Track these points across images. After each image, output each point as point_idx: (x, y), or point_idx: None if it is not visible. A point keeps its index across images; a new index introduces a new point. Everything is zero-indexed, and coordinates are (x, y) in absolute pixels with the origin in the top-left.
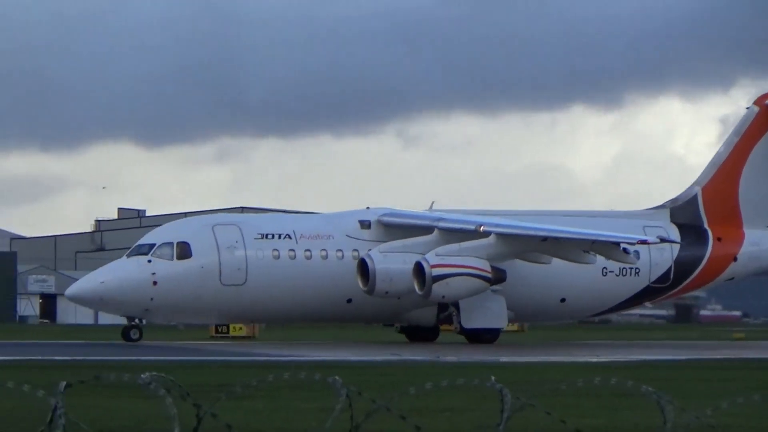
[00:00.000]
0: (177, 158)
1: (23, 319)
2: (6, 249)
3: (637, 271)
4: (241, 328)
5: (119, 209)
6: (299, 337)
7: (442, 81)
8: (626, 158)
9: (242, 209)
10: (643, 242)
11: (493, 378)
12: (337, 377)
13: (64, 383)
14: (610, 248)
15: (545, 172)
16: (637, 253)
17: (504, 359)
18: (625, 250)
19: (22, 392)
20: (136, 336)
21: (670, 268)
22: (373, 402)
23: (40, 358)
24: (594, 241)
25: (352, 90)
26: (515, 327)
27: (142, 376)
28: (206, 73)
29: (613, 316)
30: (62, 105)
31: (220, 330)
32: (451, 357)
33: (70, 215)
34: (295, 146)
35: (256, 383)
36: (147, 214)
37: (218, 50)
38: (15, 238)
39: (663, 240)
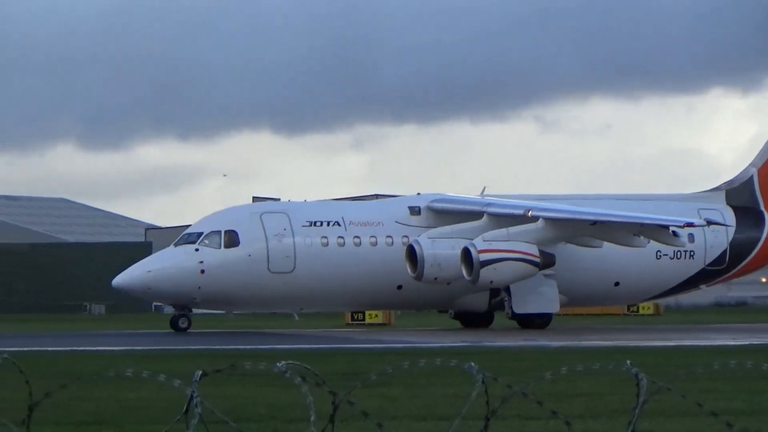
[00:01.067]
0: (314, 146)
1: (159, 308)
2: (141, 239)
3: (692, 254)
4: (376, 315)
5: (253, 198)
6: (434, 324)
7: (580, 65)
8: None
9: (376, 196)
10: (690, 225)
11: (628, 362)
12: (472, 363)
13: (200, 372)
14: (659, 231)
15: (680, 156)
16: (691, 236)
17: (639, 343)
18: (674, 233)
19: (158, 382)
20: (185, 325)
21: (725, 250)
22: (509, 387)
23: (175, 347)
24: (642, 224)
25: (489, 75)
26: (650, 310)
27: (277, 364)
28: (344, 60)
29: (749, 299)
30: (200, 94)
31: (355, 317)
32: (586, 341)
33: (206, 204)
34: (432, 133)
35: (391, 370)
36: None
37: (356, 37)
38: (150, 228)
39: (710, 222)
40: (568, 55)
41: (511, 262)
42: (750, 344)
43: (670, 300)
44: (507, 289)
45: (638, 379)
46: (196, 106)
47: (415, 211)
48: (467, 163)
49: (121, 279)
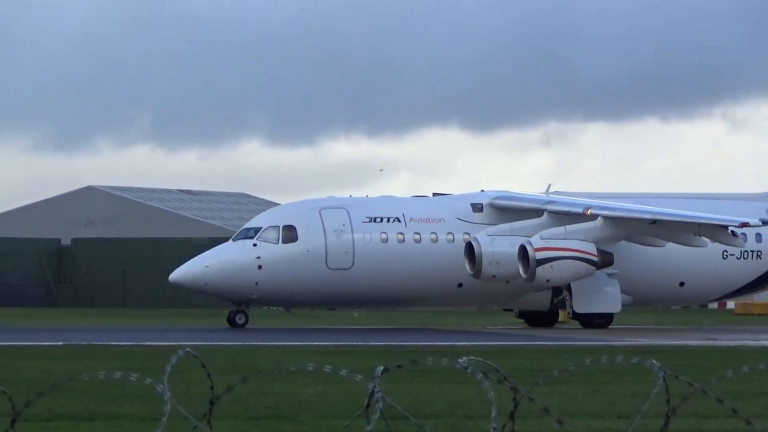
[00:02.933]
0: (504, 143)
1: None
2: None
3: (759, 254)
4: None
5: (433, 194)
6: (617, 321)
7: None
8: None
9: (555, 193)
10: (745, 225)
11: None
12: (654, 361)
13: (381, 367)
14: (717, 231)
15: None
16: (759, 236)
17: None
18: (733, 232)
19: (339, 377)
20: (242, 321)
21: None
22: (690, 385)
23: (355, 343)
24: (699, 224)
25: (679, 73)
26: None
27: (459, 360)
28: (536, 56)
29: None
30: (390, 91)
31: None
32: (766, 340)
33: None
34: (621, 130)
35: (573, 367)
36: None
37: (549, 32)
38: None
39: (765, 222)
40: (760, 50)
41: (567, 260)
42: None
43: None
44: (568, 288)
45: None
46: (386, 102)
47: (477, 207)
48: (652, 161)
49: (178, 274)
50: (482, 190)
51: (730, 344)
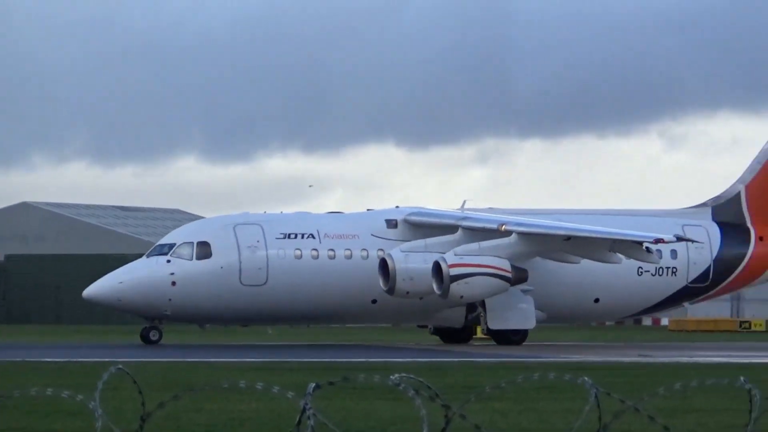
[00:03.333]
0: (438, 160)
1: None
2: None
3: (675, 270)
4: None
5: (367, 210)
6: (549, 338)
7: (708, 79)
8: None
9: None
10: (659, 241)
11: (742, 378)
12: (586, 378)
13: (313, 384)
14: (632, 247)
15: None
16: (674, 252)
17: (751, 360)
18: (647, 249)
19: (271, 394)
20: (156, 337)
21: (709, 267)
22: (622, 402)
23: (289, 359)
24: (614, 240)
25: (617, 89)
26: (762, 327)
27: (391, 377)
28: (473, 73)
29: None
30: (326, 107)
31: None
32: (700, 357)
33: None
34: (558, 147)
35: (504, 384)
36: None
37: (485, 49)
38: None
39: (680, 239)
40: (697, 68)
41: (481, 276)
42: None
43: None
44: (483, 304)
45: (751, 394)
46: (322, 119)
47: (391, 224)
48: (590, 178)
49: (92, 290)
50: (397, 206)
51: (663, 361)
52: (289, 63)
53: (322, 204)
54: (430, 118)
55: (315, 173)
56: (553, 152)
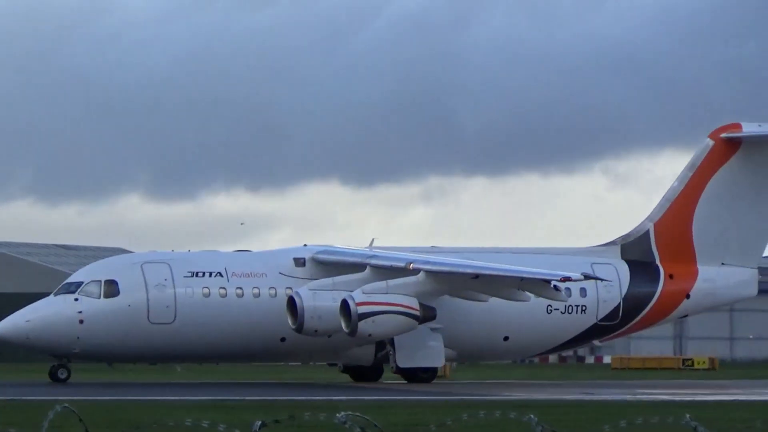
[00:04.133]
0: (384, 198)
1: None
2: None
3: (584, 308)
4: None
5: (305, 244)
6: (492, 376)
7: (651, 118)
8: None
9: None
10: (566, 279)
11: (687, 416)
12: (532, 416)
13: (259, 422)
14: (539, 285)
15: None
16: (584, 290)
17: (695, 398)
18: (555, 287)
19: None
20: (64, 375)
21: (618, 305)
22: None
23: (232, 398)
24: (522, 278)
25: (560, 128)
26: (705, 365)
27: (338, 415)
28: (417, 113)
29: None
30: (270, 146)
31: None
32: (644, 395)
33: None
34: (502, 185)
35: (450, 422)
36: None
37: (430, 88)
38: None
39: (587, 277)
40: (639, 108)
41: (390, 314)
42: None
43: (726, 354)
44: (392, 342)
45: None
46: (267, 157)
47: (300, 262)
48: (533, 216)
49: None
50: (305, 245)
51: (607, 399)
52: (234, 102)
53: (268, 242)
54: (375, 157)
55: (260, 211)
56: (497, 190)
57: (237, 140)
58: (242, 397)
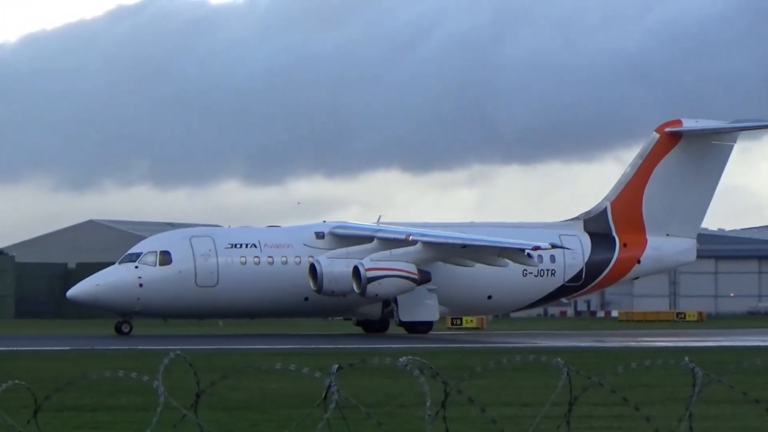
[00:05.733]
0: (435, 182)
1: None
2: None
3: (553, 272)
4: (471, 321)
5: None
6: (521, 327)
7: (655, 116)
8: None
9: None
10: (537, 248)
11: (686, 358)
12: (559, 359)
13: (336, 366)
14: (515, 253)
15: (730, 193)
16: (553, 257)
17: (688, 344)
18: (529, 255)
19: (293, 375)
20: (127, 330)
21: (581, 269)
22: (588, 378)
23: (312, 346)
24: (501, 247)
25: (580, 124)
26: (695, 317)
27: (400, 359)
28: (463, 113)
29: None
30: (344, 141)
31: (454, 322)
32: (647, 342)
33: None
34: (532, 171)
35: (493, 365)
36: None
37: (474, 92)
38: None
39: (554, 246)
40: (643, 106)
41: (393, 278)
42: None
43: (711, 309)
44: (395, 301)
45: (694, 372)
46: (341, 150)
47: (320, 235)
48: (556, 196)
49: (74, 291)
50: (324, 221)
51: (616, 345)
52: (314, 105)
53: (339, 219)
54: (429, 149)
55: (335, 194)
56: (528, 175)
57: (316, 136)
58: (316, 346)
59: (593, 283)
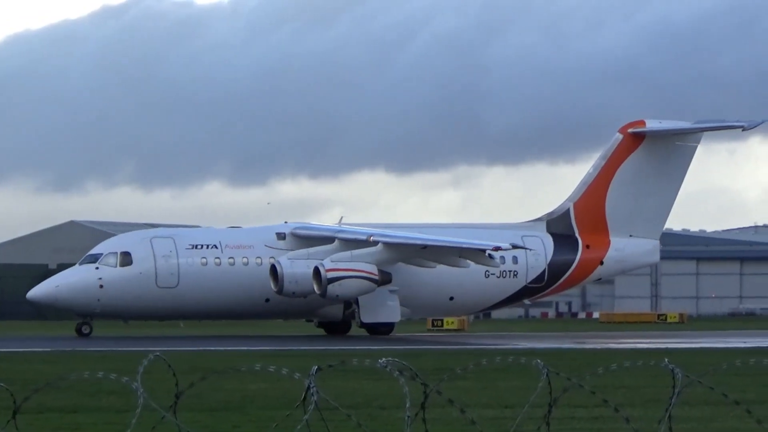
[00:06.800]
0: (420, 183)
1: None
2: None
3: (515, 273)
4: (452, 322)
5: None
6: (501, 329)
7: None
8: None
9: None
10: (497, 248)
11: (666, 360)
12: (539, 360)
13: (315, 367)
14: (476, 254)
15: (714, 194)
16: (516, 258)
17: (669, 345)
18: (490, 255)
19: (274, 376)
20: (87, 331)
21: (544, 270)
22: (568, 380)
23: (291, 348)
24: (461, 248)
25: (566, 126)
26: (676, 318)
27: (380, 361)
28: (449, 112)
29: (757, 310)
30: (329, 142)
31: (435, 324)
32: (628, 343)
33: None
34: (517, 172)
35: (472, 366)
36: None
37: (461, 93)
38: None
39: (515, 246)
40: (625, 106)
41: (353, 279)
42: (759, 346)
43: (692, 310)
44: (356, 302)
45: (674, 373)
46: (325, 151)
47: (281, 236)
48: (541, 197)
49: (33, 292)
50: (285, 222)
51: (597, 347)
52: (298, 106)
53: (323, 220)
54: (414, 149)
55: (319, 195)
56: (513, 176)
57: (301, 137)
58: (295, 347)
59: (556, 284)
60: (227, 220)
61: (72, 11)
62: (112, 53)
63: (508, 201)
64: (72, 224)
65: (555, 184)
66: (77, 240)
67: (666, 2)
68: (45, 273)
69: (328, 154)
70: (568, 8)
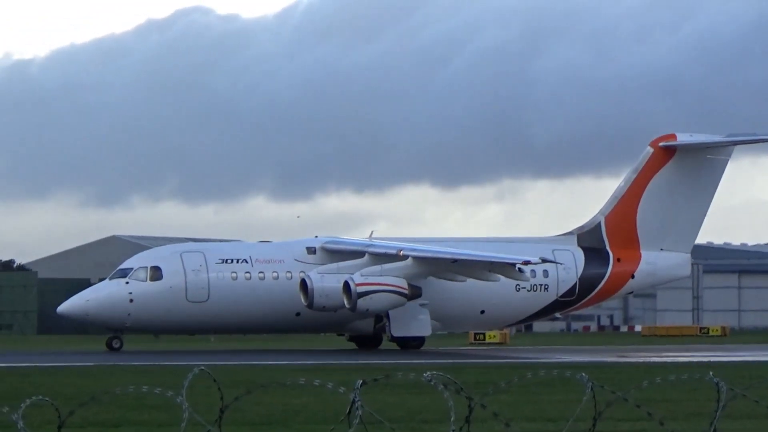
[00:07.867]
0: (465, 197)
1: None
2: None
3: (546, 287)
4: (495, 336)
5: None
6: (544, 342)
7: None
8: None
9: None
10: (527, 262)
11: (711, 373)
12: (583, 374)
13: (360, 381)
14: (506, 268)
15: (756, 207)
16: (546, 271)
17: (712, 359)
18: (520, 269)
19: (316, 389)
20: (118, 345)
21: (575, 284)
22: (613, 393)
23: (335, 362)
24: (491, 262)
25: (610, 140)
26: (718, 332)
27: (425, 374)
28: (494, 127)
29: None
30: (373, 154)
31: (477, 337)
32: (671, 357)
33: None
34: (562, 186)
35: (517, 379)
36: None
37: (505, 107)
38: None
39: (544, 260)
40: (670, 119)
41: (383, 293)
42: None
43: (735, 323)
44: (387, 315)
45: (719, 386)
46: (370, 165)
47: (311, 250)
48: (587, 211)
49: (64, 307)
50: (316, 236)
51: (639, 360)
52: (344, 119)
53: (365, 236)
54: (458, 163)
55: (364, 209)
56: (559, 190)
57: (345, 151)
58: (338, 361)
59: (587, 298)
60: (270, 234)
61: (117, 25)
62: (156, 67)
63: (552, 215)
64: (114, 239)
65: (599, 198)
66: (119, 254)
67: (711, 15)
68: (86, 287)
69: (372, 168)
70: (612, 20)
